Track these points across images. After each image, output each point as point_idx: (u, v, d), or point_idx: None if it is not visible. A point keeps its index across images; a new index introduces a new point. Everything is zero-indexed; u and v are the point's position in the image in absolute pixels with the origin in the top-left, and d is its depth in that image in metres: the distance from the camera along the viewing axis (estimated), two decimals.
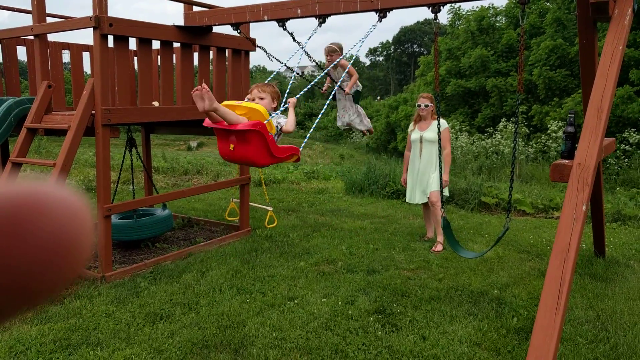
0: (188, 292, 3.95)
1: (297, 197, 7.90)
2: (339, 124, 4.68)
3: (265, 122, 2.89)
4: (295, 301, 3.77)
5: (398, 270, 4.42)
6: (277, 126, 3.12)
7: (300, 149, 3.30)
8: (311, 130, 3.82)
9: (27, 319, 3.40)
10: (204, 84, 2.81)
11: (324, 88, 4.79)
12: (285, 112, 3.28)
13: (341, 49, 4.41)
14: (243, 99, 5.37)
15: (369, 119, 4.72)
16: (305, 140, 3.69)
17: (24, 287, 0.30)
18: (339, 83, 4.23)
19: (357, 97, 4.58)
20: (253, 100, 3.20)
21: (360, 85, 4.60)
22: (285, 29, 4.04)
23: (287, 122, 3.18)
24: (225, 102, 3.11)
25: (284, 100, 3.36)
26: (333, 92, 4.04)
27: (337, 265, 4.58)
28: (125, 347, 3.10)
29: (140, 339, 3.20)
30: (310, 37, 3.89)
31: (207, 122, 3.03)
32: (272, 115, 3.06)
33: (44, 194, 0.31)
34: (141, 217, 5.28)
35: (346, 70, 4.20)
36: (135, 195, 5.91)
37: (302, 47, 3.90)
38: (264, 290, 3.99)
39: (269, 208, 5.76)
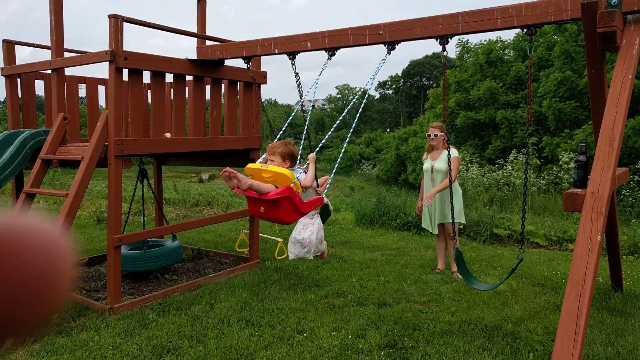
0: (196, 324, 3.90)
1: None
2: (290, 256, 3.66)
3: (292, 184, 2.98)
4: (305, 334, 3.69)
5: (409, 304, 4.33)
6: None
7: (324, 195, 3.37)
8: (333, 172, 3.63)
9: (34, 352, 3.37)
10: (227, 168, 2.90)
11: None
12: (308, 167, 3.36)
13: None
14: (254, 133, 5.45)
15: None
16: (329, 180, 3.56)
17: (4, 320, 0.30)
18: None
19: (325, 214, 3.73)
20: (267, 162, 3.29)
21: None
22: (294, 64, 4.08)
23: (306, 177, 3.23)
24: (250, 166, 3.21)
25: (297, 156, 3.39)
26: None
27: (347, 298, 4.51)
28: None
29: None
30: (321, 72, 3.89)
31: (236, 190, 3.08)
32: (297, 176, 3.12)
33: (23, 229, 0.31)
34: (151, 248, 5.27)
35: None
36: (146, 227, 5.92)
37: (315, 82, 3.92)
38: (273, 323, 3.92)
39: (278, 239, 5.73)
